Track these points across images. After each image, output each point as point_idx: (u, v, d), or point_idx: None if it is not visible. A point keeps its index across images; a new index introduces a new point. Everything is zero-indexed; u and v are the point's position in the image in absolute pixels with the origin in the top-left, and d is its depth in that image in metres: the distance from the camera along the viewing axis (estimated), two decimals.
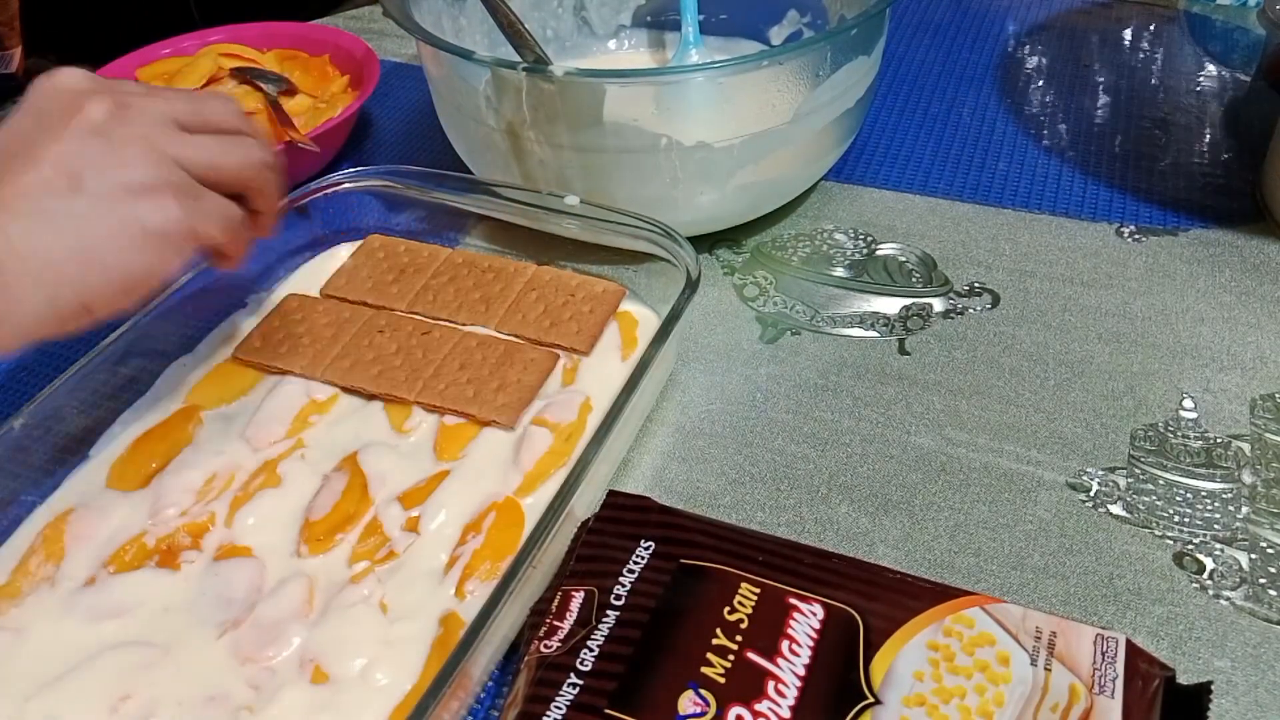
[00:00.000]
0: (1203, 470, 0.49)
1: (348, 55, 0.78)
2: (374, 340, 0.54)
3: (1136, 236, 0.63)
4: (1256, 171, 0.68)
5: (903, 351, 0.56)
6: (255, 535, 0.46)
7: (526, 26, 0.64)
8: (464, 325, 0.55)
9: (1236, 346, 0.55)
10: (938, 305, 0.59)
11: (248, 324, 0.57)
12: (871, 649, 0.37)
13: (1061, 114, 0.76)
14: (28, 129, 0.39)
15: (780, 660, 0.37)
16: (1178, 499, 0.48)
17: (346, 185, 0.61)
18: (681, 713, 0.35)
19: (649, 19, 0.78)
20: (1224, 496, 0.47)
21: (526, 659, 0.38)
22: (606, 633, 0.38)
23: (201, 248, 0.42)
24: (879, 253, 0.63)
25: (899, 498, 0.49)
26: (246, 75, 0.75)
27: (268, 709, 0.39)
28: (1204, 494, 0.48)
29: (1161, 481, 0.48)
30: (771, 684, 0.36)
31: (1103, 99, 0.77)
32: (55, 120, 0.39)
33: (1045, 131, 0.74)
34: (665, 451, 0.52)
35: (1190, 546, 0.46)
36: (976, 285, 0.60)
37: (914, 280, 0.61)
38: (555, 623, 0.39)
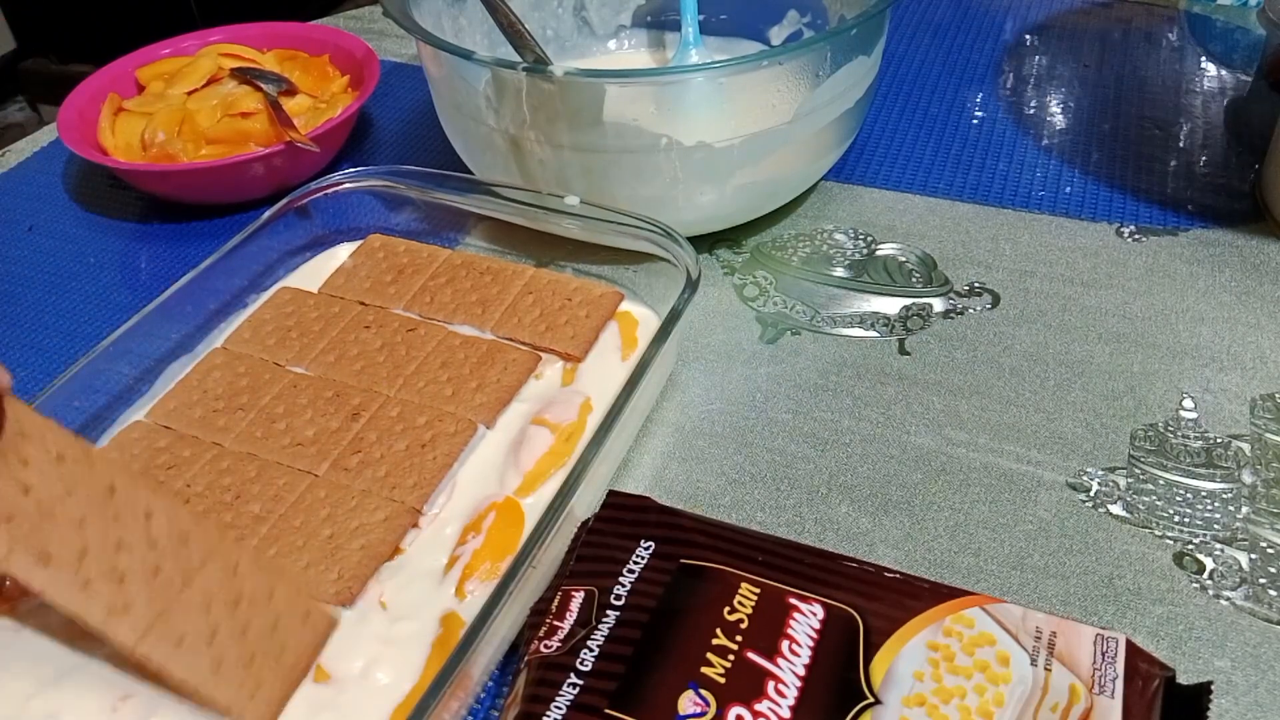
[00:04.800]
0: (1203, 470, 0.49)
1: (348, 55, 0.78)
2: (359, 336, 0.54)
3: (1136, 236, 0.63)
4: (1256, 171, 0.68)
5: (903, 351, 0.56)
6: None
7: (526, 26, 0.64)
8: (457, 326, 0.55)
9: (1236, 346, 0.55)
10: (938, 305, 0.59)
11: None
12: (871, 649, 0.37)
13: (1061, 114, 0.76)
14: None
15: (780, 660, 0.37)
16: (1178, 499, 0.48)
17: (346, 185, 0.61)
18: (681, 713, 0.35)
19: (649, 19, 0.78)
20: (1224, 496, 0.47)
21: (526, 659, 0.38)
22: (606, 633, 0.38)
23: None
24: (879, 253, 0.63)
25: (899, 498, 0.49)
26: (246, 75, 0.75)
27: None
28: (1204, 494, 0.48)
29: (1161, 481, 0.48)
30: (771, 684, 0.36)
31: (1103, 99, 0.77)
32: None
33: (1045, 131, 0.74)
34: (665, 451, 0.52)
35: (1190, 546, 0.46)
36: (976, 285, 0.60)
37: (914, 280, 0.61)
38: (555, 623, 0.39)
